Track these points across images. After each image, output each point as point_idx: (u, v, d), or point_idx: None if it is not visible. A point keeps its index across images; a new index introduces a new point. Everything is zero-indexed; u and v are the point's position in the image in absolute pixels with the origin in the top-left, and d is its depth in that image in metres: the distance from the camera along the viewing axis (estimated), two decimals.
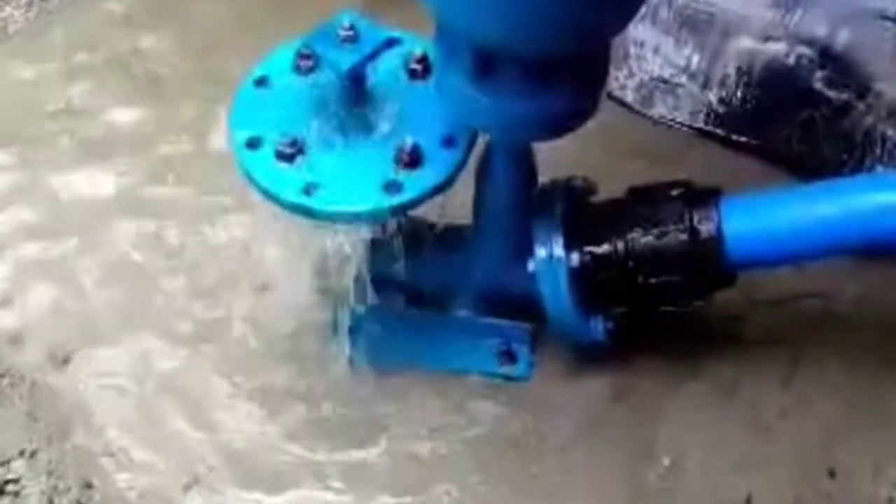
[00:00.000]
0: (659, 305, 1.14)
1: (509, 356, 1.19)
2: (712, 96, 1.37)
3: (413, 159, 1.05)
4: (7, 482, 1.09)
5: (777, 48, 1.31)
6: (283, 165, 1.05)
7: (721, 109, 1.37)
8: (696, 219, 1.08)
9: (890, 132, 1.28)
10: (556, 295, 1.10)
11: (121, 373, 1.19)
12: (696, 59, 1.37)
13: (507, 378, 1.19)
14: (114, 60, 1.47)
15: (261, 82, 1.10)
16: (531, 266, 1.11)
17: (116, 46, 1.48)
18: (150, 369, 1.19)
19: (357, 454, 1.14)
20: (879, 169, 1.29)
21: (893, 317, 1.24)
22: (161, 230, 1.30)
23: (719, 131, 1.38)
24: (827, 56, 1.29)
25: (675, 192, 1.11)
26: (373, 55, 1.04)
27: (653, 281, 1.10)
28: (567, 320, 1.11)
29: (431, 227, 1.16)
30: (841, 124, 1.30)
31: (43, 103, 1.43)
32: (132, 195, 1.33)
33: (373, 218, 1.05)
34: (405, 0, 1.11)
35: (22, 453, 1.12)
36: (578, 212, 1.12)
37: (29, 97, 1.44)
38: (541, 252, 1.10)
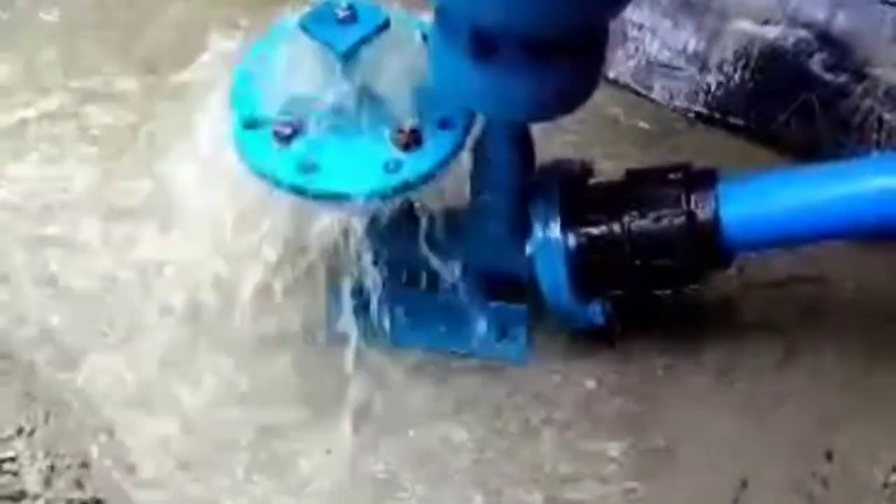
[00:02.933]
0: (655, 288, 1.14)
1: (505, 338, 1.19)
2: (710, 79, 1.37)
3: (412, 140, 1.05)
4: (4, 461, 1.10)
5: (775, 31, 1.31)
6: (281, 146, 1.04)
7: (719, 92, 1.37)
8: (693, 202, 1.08)
9: (887, 116, 1.28)
10: (553, 277, 1.10)
11: (119, 351, 1.19)
12: (693, 42, 1.37)
13: (504, 360, 1.19)
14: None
15: (258, 62, 1.10)
16: (528, 248, 1.11)
17: None
18: (149, 346, 1.19)
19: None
20: (876, 153, 1.29)
21: (890, 302, 1.24)
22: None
23: (717, 114, 1.38)
24: (825, 39, 1.29)
25: (672, 176, 1.11)
26: (371, 36, 1.04)
27: (649, 264, 1.10)
28: (564, 303, 1.11)
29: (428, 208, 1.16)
30: (839, 108, 1.30)
31: None
32: None
33: (371, 199, 1.05)
34: None
35: (20, 432, 1.12)
36: (576, 194, 1.12)
37: None
38: (538, 234, 1.10)
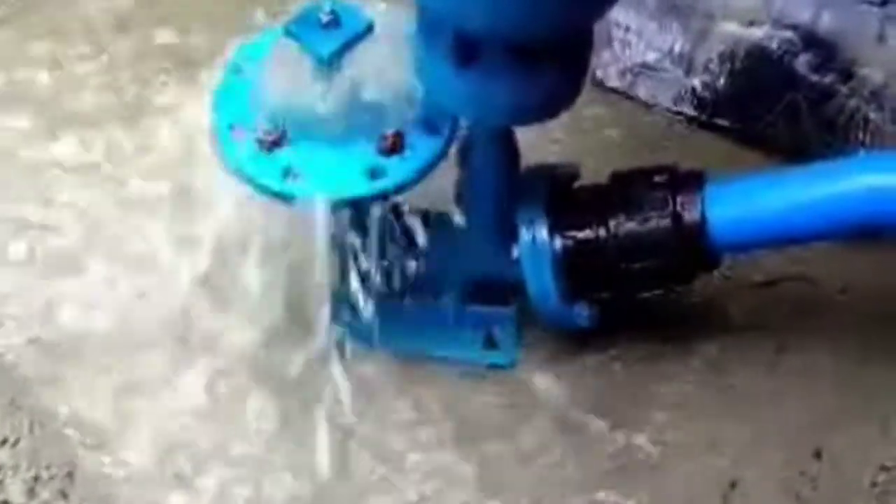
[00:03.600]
0: (643, 290, 1.14)
1: (494, 343, 1.19)
2: (696, 81, 1.37)
3: (395, 145, 1.05)
4: None
5: (760, 33, 1.32)
6: (264, 152, 1.04)
7: (705, 94, 1.37)
8: (679, 204, 1.09)
9: (873, 115, 1.28)
10: (540, 280, 1.10)
11: (106, 360, 1.18)
12: (679, 43, 1.37)
13: (493, 365, 1.19)
14: None
15: (241, 68, 1.10)
16: (515, 251, 1.11)
17: None
18: (136, 356, 1.19)
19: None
20: (863, 152, 1.29)
21: (879, 301, 1.24)
22: None
23: (703, 116, 1.38)
24: (810, 40, 1.29)
25: (658, 178, 1.11)
26: (354, 40, 1.04)
27: (636, 266, 1.10)
28: (550, 305, 1.11)
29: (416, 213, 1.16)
30: (824, 108, 1.30)
31: None
32: None
33: (355, 204, 1.05)
34: None
35: (4, 442, 1.11)
36: (562, 197, 1.12)
37: None
38: (524, 237, 1.10)
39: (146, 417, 1.15)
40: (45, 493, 1.09)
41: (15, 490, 1.08)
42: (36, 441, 1.12)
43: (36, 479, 1.10)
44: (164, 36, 1.46)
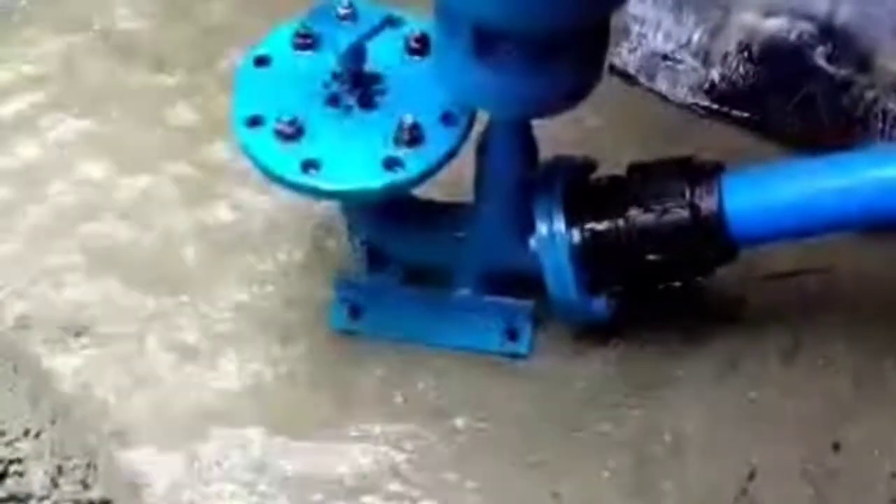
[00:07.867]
0: (660, 282, 1.14)
1: (510, 334, 1.19)
2: (713, 72, 1.37)
3: (413, 137, 1.05)
4: (11, 462, 1.10)
5: (778, 24, 1.31)
6: (283, 144, 1.05)
7: (722, 86, 1.37)
8: (696, 195, 1.09)
9: (891, 106, 1.28)
10: (558, 272, 1.10)
11: (126, 352, 1.19)
12: (697, 35, 1.37)
13: (509, 356, 1.19)
14: None
15: (261, 61, 1.10)
16: (532, 244, 1.11)
17: None
18: (157, 350, 1.19)
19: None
20: (880, 143, 1.29)
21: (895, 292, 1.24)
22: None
23: (721, 108, 1.38)
24: (828, 31, 1.29)
25: (675, 169, 1.11)
26: (371, 33, 1.05)
27: (653, 258, 1.10)
28: (568, 298, 1.11)
29: (432, 204, 1.17)
30: (842, 100, 1.30)
31: None
32: None
33: (373, 196, 1.06)
34: None
35: (26, 433, 1.12)
36: (579, 189, 1.12)
37: None
38: (542, 230, 1.10)
39: (173, 406, 1.16)
40: (67, 485, 1.10)
41: (38, 481, 1.09)
42: (58, 432, 1.13)
43: (59, 469, 1.10)
44: None
